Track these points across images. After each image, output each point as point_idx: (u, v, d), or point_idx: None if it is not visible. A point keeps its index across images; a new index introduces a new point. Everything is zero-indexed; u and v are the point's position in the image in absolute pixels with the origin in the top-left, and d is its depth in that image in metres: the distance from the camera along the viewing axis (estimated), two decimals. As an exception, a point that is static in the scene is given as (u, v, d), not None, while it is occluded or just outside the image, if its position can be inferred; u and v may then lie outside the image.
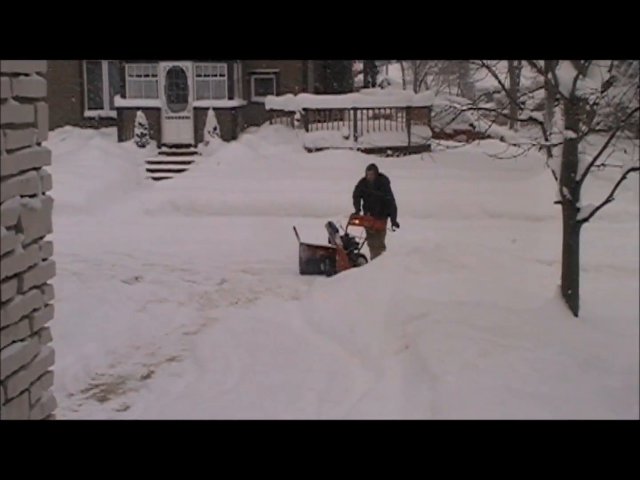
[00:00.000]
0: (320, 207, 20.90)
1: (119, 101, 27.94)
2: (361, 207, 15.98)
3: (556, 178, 10.39)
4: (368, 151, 25.35)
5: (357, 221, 15.95)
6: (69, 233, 19.01)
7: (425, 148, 26.46)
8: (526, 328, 9.19)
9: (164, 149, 27.65)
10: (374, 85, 37.81)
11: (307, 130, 26.46)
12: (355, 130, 26.11)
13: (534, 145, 10.45)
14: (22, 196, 3.43)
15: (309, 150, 25.93)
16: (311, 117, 26.61)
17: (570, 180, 10.25)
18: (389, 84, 53.15)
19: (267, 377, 9.45)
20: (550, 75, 10.26)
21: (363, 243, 15.83)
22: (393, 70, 61.58)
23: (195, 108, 27.71)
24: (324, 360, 10.21)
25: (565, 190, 10.28)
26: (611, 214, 21.33)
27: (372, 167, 16.14)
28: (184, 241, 18.61)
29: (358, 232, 15.95)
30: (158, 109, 27.82)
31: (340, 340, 11.03)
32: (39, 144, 3.59)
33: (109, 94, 29.51)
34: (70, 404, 9.24)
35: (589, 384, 7.58)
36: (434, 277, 12.53)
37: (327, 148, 25.57)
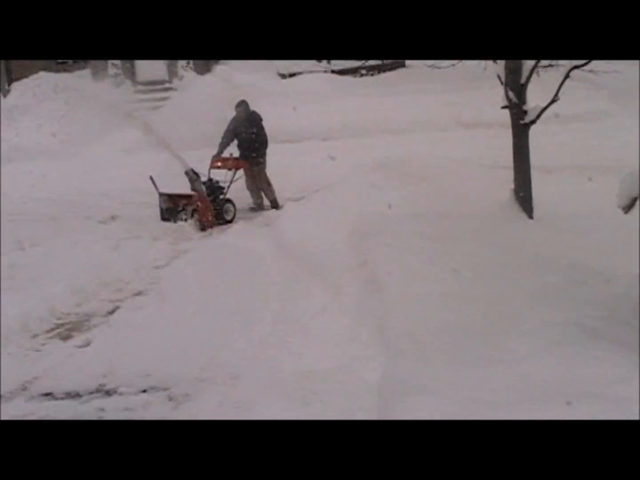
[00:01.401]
0: (293, 132, 20.86)
1: (90, 42, 27.68)
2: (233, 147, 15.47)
3: (502, 82, 10.33)
4: (342, 72, 25.15)
5: (219, 164, 15.39)
6: (45, 178, 19.08)
7: (400, 65, 26.30)
8: (476, 233, 9.23)
9: (139, 87, 27.41)
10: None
11: (278, 56, 26.24)
12: (327, 52, 25.85)
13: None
14: None
15: (283, 76, 25.73)
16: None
17: (515, 84, 10.19)
18: None
19: (225, 302, 9.53)
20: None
21: (228, 187, 15.20)
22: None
23: (167, 44, 27.47)
24: (284, 282, 10.29)
25: (511, 94, 10.22)
26: (588, 113, 21.29)
27: (241, 104, 15.60)
28: (162, 177, 18.55)
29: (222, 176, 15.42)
30: (130, 47, 27.58)
31: (302, 260, 11.10)
32: None
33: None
34: (33, 345, 9.33)
35: (528, 282, 7.63)
36: (397, 191, 12.56)
37: (301, 73, 25.35)
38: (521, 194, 10.37)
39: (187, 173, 14.92)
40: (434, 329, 6.62)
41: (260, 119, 15.39)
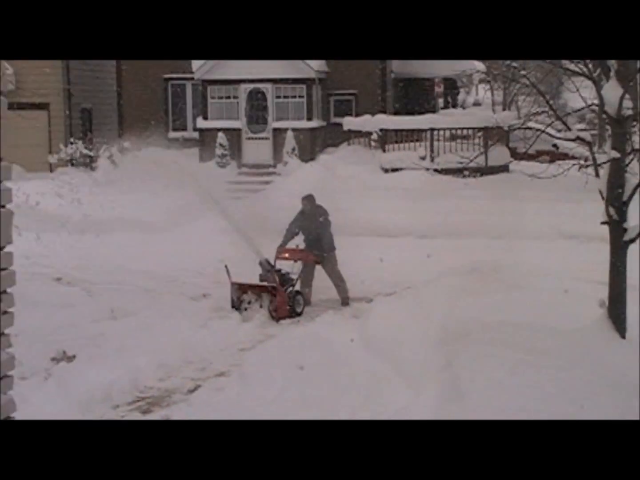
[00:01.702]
0: (391, 227, 20.99)
1: (200, 122, 28.56)
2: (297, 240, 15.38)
3: (603, 198, 10.25)
4: (445, 172, 25.27)
5: (286, 255, 15.18)
6: (144, 250, 19.56)
7: (504, 169, 26.33)
8: (564, 349, 9.09)
9: (244, 169, 28.09)
10: (454, 106, 37.71)
11: (384, 150, 26.56)
12: (432, 150, 26.06)
13: (574, 165, 10.34)
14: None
15: (385, 170, 25.99)
16: (388, 138, 26.69)
17: (617, 200, 10.10)
18: (479, 104, 52.89)
19: (305, 392, 9.56)
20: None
21: (297, 279, 15.05)
22: (483, 91, 61.14)
23: (274, 129, 28.19)
24: (366, 377, 10.26)
25: (612, 210, 10.13)
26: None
27: (307, 198, 15.51)
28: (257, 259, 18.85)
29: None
30: (238, 130, 28.38)
31: (386, 357, 11.08)
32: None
33: (192, 115, 30.17)
34: (113, 415, 9.51)
35: (615, 406, 7.46)
36: (489, 297, 12.47)
37: (404, 169, 25.57)
38: (615, 312, 10.18)
39: (261, 263, 14.85)
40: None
41: (327, 215, 15.28)
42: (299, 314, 14.71)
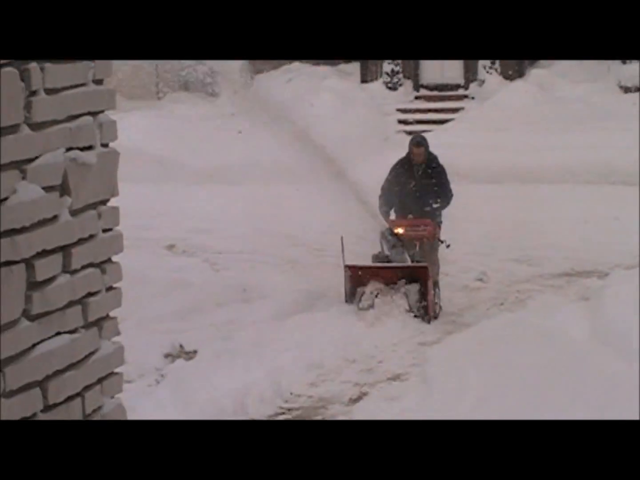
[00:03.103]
0: (632, 171, 20.57)
1: (363, 27, 28.56)
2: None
3: None
4: None
5: (402, 230, 13.88)
6: (286, 207, 19.73)
7: None
8: None
9: (423, 91, 28.00)
10: None
11: (623, 61, 25.93)
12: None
13: None
14: (69, 149, 3.67)
15: (627, 89, 25.45)
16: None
17: None
18: None
19: (509, 404, 9.48)
20: None
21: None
22: None
23: (466, 32, 27.94)
24: (598, 385, 10.10)
25: None
26: None
27: (421, 142, 14.38)
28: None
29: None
30: (416, 36, 28.24)
31: (632, 356, 10.88)
32: (97, 81, 3.84)
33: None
34: (248, 432, 9.68)
35: None
36: None
37: (655, 86, 25.02)
38: None
39: (384, 236, 13.89)
40: None
41: (443, 169, 14.35)
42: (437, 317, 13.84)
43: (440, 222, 14.28)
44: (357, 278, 13.67)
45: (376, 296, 13.38)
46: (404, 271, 13.60)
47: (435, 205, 14.06)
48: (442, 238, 14.22)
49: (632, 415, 9.19)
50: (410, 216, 14.07)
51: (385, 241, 13.91)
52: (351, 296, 13.64)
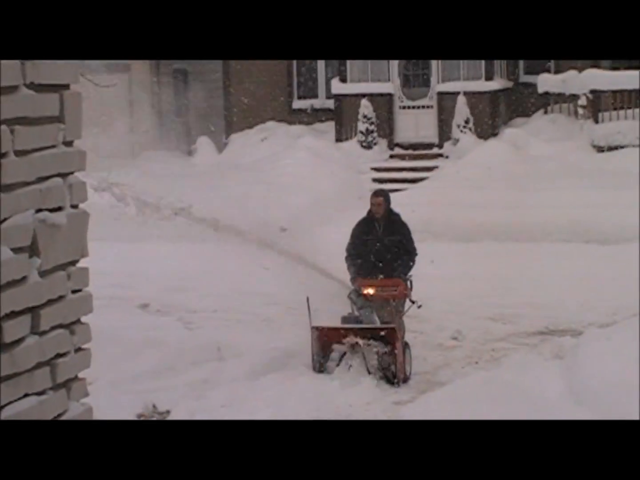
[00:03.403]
0: (611, 230, 20.62)
1: (337, 86, 28.73)
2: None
3: None
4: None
5: (371, 290, 13.72)
6: (262, 265, 19.67)
7: None
8: None
9: (398, 150, 28.10)
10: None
11: (596, 121, 26.12)
12: (668, 120, 25.54)
13: None
14: (39, 210, 3.67)
15: (600, 149, 25.60)
16: (603, 103, 26.23)
17: None
18: None
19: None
20: None
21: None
22: None
23: (440, 93, 28.17)
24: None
25: None
26: None
27: (379, 192, 14.61)
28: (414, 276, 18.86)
29: None
30: (389, 96, 28.43)
31: (605, 415, 10.85)
32: (67, 143, 3.84)
33: (324, 77, 30.27)
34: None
35: None
36: None
37: (625, 146, 25.15)
38: None
39: (350, 297, 13.85)
40: None
41: (406, 225, 14.24)
42: (408, 379, 13.60)
43: (411, 281, 14.12)
44: (325, 339, 13.51)
45: (343, 356, 13.29)
46: (373, 332, 13.35)
47: (400, 262, 13.94)
48: (413, 298, 14.06)
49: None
50: (380, 276, 13.87)
51: (353, 302, 13.87)
52: (318, 357, 13.44)
